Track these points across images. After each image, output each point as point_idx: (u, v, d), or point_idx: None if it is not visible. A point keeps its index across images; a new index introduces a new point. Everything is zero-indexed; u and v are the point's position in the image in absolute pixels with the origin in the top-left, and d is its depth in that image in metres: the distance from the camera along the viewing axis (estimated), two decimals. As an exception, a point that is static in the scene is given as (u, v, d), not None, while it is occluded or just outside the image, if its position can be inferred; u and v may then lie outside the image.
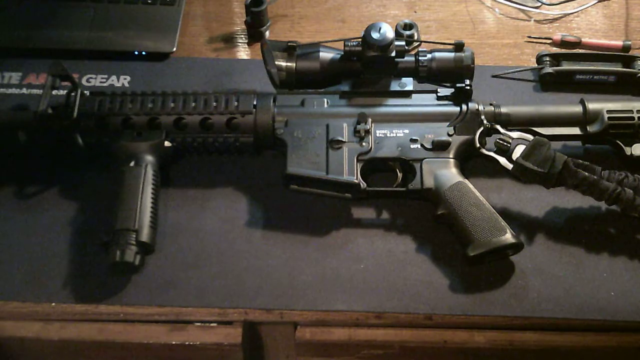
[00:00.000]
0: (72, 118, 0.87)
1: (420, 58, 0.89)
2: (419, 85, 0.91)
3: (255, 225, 0.88)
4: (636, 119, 0.88)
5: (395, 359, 0.87)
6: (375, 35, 0.87)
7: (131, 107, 0.88)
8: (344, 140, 0.87)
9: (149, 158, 0.86)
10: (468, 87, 0.88)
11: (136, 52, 1.05)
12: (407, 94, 0.91)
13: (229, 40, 1.09)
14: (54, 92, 0.91)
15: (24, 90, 1.01)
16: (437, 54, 0.90)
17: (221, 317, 0.82)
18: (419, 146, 0.87)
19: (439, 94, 0.90)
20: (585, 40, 1.07)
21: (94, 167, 0.92)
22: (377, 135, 0.88)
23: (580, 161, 0.83)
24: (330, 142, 0.87)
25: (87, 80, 1.02)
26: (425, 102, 0.90)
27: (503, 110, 0.89)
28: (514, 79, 1.03)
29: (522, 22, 1.12)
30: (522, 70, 1.03)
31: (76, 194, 0.90)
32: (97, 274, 0.83)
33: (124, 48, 1.05)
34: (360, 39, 0.88)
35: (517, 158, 0.83)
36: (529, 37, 1.08)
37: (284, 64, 0.90)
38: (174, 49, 1.05)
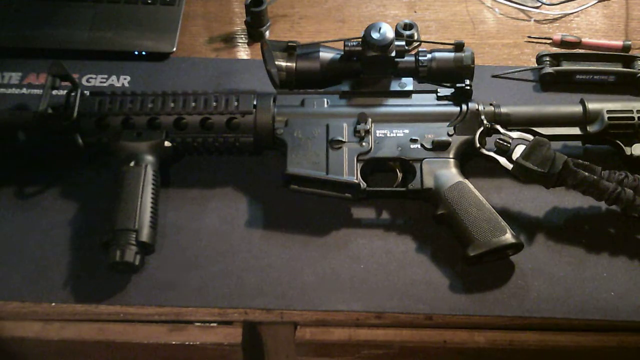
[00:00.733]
0: (72, 118, 0.87)
1: (420, 58, 0.89)
2: (419, 85, 0.91)
3: (255, 225, 0.88)
4: (636, 119, 0.88)
5: (395, 359, 0.87)
6: (375, 35, 0.87)
7: (131, 107, 0.88)
8: (344, 140, 0.87)
9: (149, 158, 0.86)
10: (468, 87, 0.88)
11: (136, 52, 1.05)
12: (407, 94, 0.91)
13: (229, 40, 1.09)
14: (54, 92, 0.91)
15: (24, 90, 1.01)
16: (437, 54, 0.90)
17: (221, 317, 0.82)
18: (419, 146, 0.87)
19: (439, 94, 0.90)
20: (585, 40, 1.07)
21: (94, 167, 0.92)
22: (377, 135, 0.88)
23: (580, 161, 0.83)
24: (330, 142, 0.87)
25: (87, 80, 1.02)
26: (425, 102, 0.90)
27: (503, 110, 0.89)
28: (514, 79, 1.03)
29: (522, 22, 1.12)
30: (522, 70, 1.03)
31: (76, 194, 0.90)
32: (97, 274, 0.83)
33: (124, 48, 1.05)
34: (360, 39, 0.88)
35: (517, 158, 0.83)
36: (529, 37, 1.08)
37: (284, 64, 0.90)
38: (174, 49, 1.05)
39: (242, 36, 1.09)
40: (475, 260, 0.81)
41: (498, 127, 0.87)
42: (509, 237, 0.81)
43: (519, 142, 0.85)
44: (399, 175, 0.88)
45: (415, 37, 1.07)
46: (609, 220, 0.87)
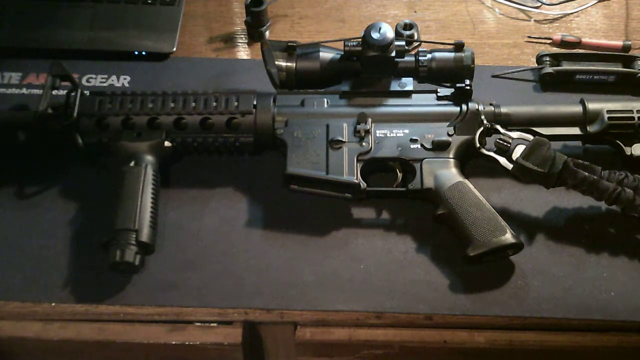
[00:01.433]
0: (72, 118, 0.87)
1: (420, 58, 0.89)
2: (419, 85, 0.91)
3: (255, 225, 0.88)
4: (636, 119, 0.88)
5: (395, 359, 0.87)
6: (375, 35, 0.87)
7: (131, 107, 0.88)
8: (344, 140, 0.87)
9: (149, 158, 0.86)
10: (468, 87, 0.88)
11: (136, 52, 1.05)
12: (407, 94, 0.91)
13: (229, 40, 1.09)
14: (54, 92, 0.91)
15: (24, 90, 1.01)
16: (437, 54, 0.90)
17: (221, 317, 0.82)
18: (419, 146, 0.87)
19: (439, 94, 0.90)
20: (585, 40, 1.07)
21: (94, 167, 0.91)
22: (377, 135, 0.88)
23: (580, 161, 0.83)
24: (330, 142, 0.87)
25: (87, 80, 1.02)
26: (425, 102, 0.90)
27: (503, 110, 0.89)
28: (514, 79, 1.03)
29: (522, 22, 1.12)
30: (522, 70, 1.03)
31: (76, 194, 0.90)
32: (97, 274, 0.83)
33: (124, 48, 1.05)
34: (360, 39, 0.88)
35: (517, 158, 0.83)
36: (529, 37, 1.08)
37: (284, 64, 0.90)
38: (174, 49, 1.05)
39: (242, 36, 1.09)
40: (475, 260, 0.81)
41: (498, 127, 0.87)
42: (509, 237, 0.81)
43: (519, 142, 0.85)
44: (399, 175, 0.88)
45: (415, 37, 1.06)
46: (609, 220, 0.87)
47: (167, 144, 0.88)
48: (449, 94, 0.90)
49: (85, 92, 0.91)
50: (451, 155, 0.87)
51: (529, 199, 0.89)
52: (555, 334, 0.83)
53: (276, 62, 0.90)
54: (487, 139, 0.88)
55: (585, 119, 0.89)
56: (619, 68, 1.00)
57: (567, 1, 1.12)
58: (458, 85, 0.89)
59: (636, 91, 1.00)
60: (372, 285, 0.83)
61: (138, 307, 0.82)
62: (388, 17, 1.12)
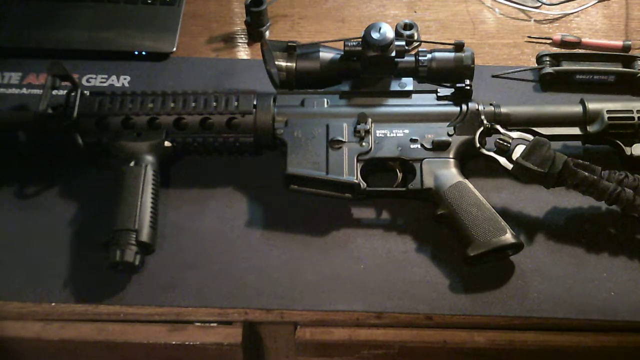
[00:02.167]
0: (72, 118, 0.87)
1: (420, 58, 0.89)
2: (419, 85, 0.91)
3: (255, 225, 0.88)
4: (636, 119, 0.88)
5: (395, 359, 0.87)
6: (375, 35, 0.87)
7: (131, 107, 0.88)
8: (344, 140, 0.87)
9: (149, 158, 0.86)
10: (468, 87, 0.88)
11: (136, 52, 1.05)
12: (407, 94, 0.91)
13: (229, 40, 1.09)
14: (54, 92, 0.91)
15: (24, 90, 1.01)
16: (437, 54, 0.90)
17: (221, 317, 0.82)
18: (419, 146, 0.87)
19: (439, 94, 0.90)
20: (585, 40, 1.07)
21: (94, 167, 0.91)
22: (377, 135, 0.88)
23: (580, 161, 0.83)
24: (330, 142, 0.87)
25: (87, 80, 1.02)
26: (425, 102, 0.90)
27: (503, 110, 0.89)
28: (514, 79, 1.03)
29: (522, 22, 1.12)
30: (522, 70, 1.03)
31: (76, 194, 0.90)
32: (97, 274, 0.83)
33: (124, 48, 1.05)
34: (360, 39, 0.88)
35: (517, 158, 0.83)
36: (529, 37, 1.08)
37: (284, 64, 0.90)
38: (174, 49, 1.05)
39: (242, 36, 1.09)
40: (475, 260, 0.81)
41: (498, 127, 0.87)
42: (509, 237, 0.81)
43: (519, 142, 0.85)
44: (399, 175, 0.88)
45: (415, 37, 1.06)
46: (609, 220, 0.87)
47: (167, 144, 0.88)
48: (449, 94, 0.90)
49: (85, 92, 0.91)
50: (451, 155, 0.87)
51: (529, 199, 0.89)
52: (555, 334, 0.83)
53: (276, 62, 0.90)
54: (487, 139, 0.88)
55: (585, 119, 0.89)
56: (619, 68, 1.00)
57: (567, 1, 1.12)
58: (458, 85, 0.89)
59: (636, 91, 1.00)
60: (372, 285, 0.83)
61: (138, 307, 0.82)
62: (388, 17, 1.12)
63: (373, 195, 0.88)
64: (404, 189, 0.87)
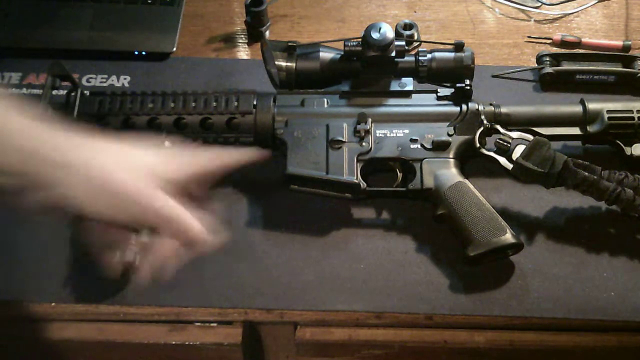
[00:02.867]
0: (72, 118, 0.87)
1: (420, 58, 0.89)
2: (419, 85, 0.91)
3: (255, 225, 0.88)
4: (636, 119, 0.88)
5: (395, 359, 0.87)
6: (375, 35, 0.87)
7: (131, 107, 0.88)
8: (344, 140, 0.87)
9: (149, 158, 0.86)
10: (468, 87, 0.88)
11: (136, 52, 1.05)
12: (407, 94, 0.91)
13: (229, 40, 1.09)
14: (54, 92, 0.91)
15: (24, 90, 1.01)
16: (437, 54, 0.90)
17: (221, 317, 0.82)
18: (419, 146, 0.87)
19: (439, 94, 0.90)
20: (585, 40, 1.07)
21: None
22: (377, 135, 0.88)
23: (580, 161, 0.83)
24: (330, 142, 0.87)
25: (87, 80, 1.02)
26: (425, 102, 0.90)
27: (503, 110, 0.89)
28: (514, 79, 1.03)
29: (522, 22, 1.12)
30: (522, 70, 1.03)
31: (76, 194, 0.90)
32: (97, 274, 0.83)
33: (124, 48, 1.05)
34: (360, 39, 0.88)
35: (517, 158, 0.83)
36: (529, 37, 1.08)
37: (284, 64, 0.90)
38: (174, 49, 1.05)
39: (242, 36, 1.09)
40: (475, 260, 0.81)
41: (498, 127, 0.87)
42: (509, 237, 0.81)
43: (519, 142, 0.85)
44: (399, 175, 0.88)
45: (415, 37, 1.07)
46: (609, 220, 0.87)
47: (167, 144, 0.87)
48: (449, 94, 0.90)
49: (85, 92, 0.91)
50: (451, 155, 0.87)
51: (529, 199, 0.89)
52: (555, 334, 0.83)
53: (276, 62, 0.90)
54: (487, 139, 0.88)
55: (585, 119, 0.89)
56: (619, 68, 1.00)
57: (567, 1, 1.12)
58: (458, 85, 0.89)
59: (636, 91, 1.00)
60: (372, 285, 0.83)
61: (138, 307, 0.82)
62: (388, 17, 1.12)
63: (373, 195, 0.88)
64: (404, 189, 0.87)
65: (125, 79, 1.03)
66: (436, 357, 0.87)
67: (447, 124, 0.89)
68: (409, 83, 0.91)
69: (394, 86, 0.91)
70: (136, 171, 0.68)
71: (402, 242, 0.86)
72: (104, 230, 0.71)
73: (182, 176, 0.70)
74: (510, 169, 0.85)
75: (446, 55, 0.90)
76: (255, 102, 0.89)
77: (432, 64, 0.89)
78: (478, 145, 0.87)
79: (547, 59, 1.02)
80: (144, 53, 1.05)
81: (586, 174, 0.81)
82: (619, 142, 0.88)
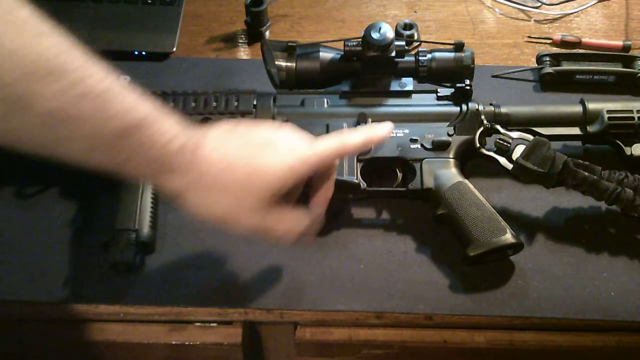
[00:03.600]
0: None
1: (420, 58, 0.89)
2: (419, 85, 0.91)
3: (255, 225, 0.88)
4: (636, 119, 0.88)
5: (395, 359, 0.87)
6: (375, 35, 0.87)
7: (131, 107, 0.88)
8: (344, 140, 0.87)
9: (149, 158, 0.86)
10: (468, 87, 0.88)
11: (136, 52, 1.05)
12: (407, 94, 0.91)
13: (229, 40, 1.09)
14: (54, 92, 0.91)
15: (24, 90, 1.01)
16: (437, 54, 0.90)
17: (221, 317, 0.82)
18: (419, 146, 0.87)
19: (439, 94, 0.90)
20: (585, 40, 1.07)
21: (94, 167, 0.91)
22: (377, 135, 0.88)
23: (580, 161, 0.83)
24: (330, 142, 0.87)
25: (87, 80, 1.02)
26: (425, 102, 0.90)
27: (503, 110, 0.89)
28: (514, 79, 1.03)
29: (522, 22, 1.12)
30: (522, 70, 1.03)
31: (76, 194, 0.90)
32: (97, 274, 0.83)
33: (124, 48, 1.05)
34: (360, 39, 0.88)
35: (517, 158, 0.83)
36: (529, 37, 1.08)
37: (284, 64, 0.90)
38: (174, 49, 1.05)
39: (242, 36, 1.09)
40: (475, 260, 0.81)
41: (498, 127, 0.87)
42: (509, 237, 0.81)
43: (519, 142, 0.85)
44: (399, 175, 0.88)
45: (415, 37, 1.07)
46: (609, 220, 0.87)
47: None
48: (449, 94, 0.90)
49: (85, 92, 0.90)
50: (451, 155, 0.87)
51: (529, 199, 0.89)
52: (555, 334, 0.83)
53: (276, 62, 0.90)
54: (487, 139, 0.88)
55: (585, 119, 0.89)
56: (619, 68, 1.00)
57: (567, 1, 1.12)
58: (458, 85, 0.89)
59: (636, 91, 1.00)
60: (372, 285, 0.83)
61: (138, 307, 0.82)
62: (388, 17, 1.12)
63: (373, 195, 0.88)
64: (404, 189, 0.87)
65: (125, 79, 1.03)
66: (436, 357, 0.87)
67: (447, 124, 0.89)
68: (409, 83, 0.91)
69: (394, 86, 0.91)
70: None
71: (402, 242, 0.86)
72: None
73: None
74: (510, 169, 0.85)
75: (446, 55, 0.90)
76: (255, 102, 0.89)
77: (432, 64, 0.89)
78: (478, 145, 0.87)
79: (547, 59, 1.02)
80: (144, 53, 1.05)
81: (586, 174, 0.81)
82: (619, 142, 0.88)
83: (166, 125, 0.63)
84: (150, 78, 1.02)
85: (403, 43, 0.90)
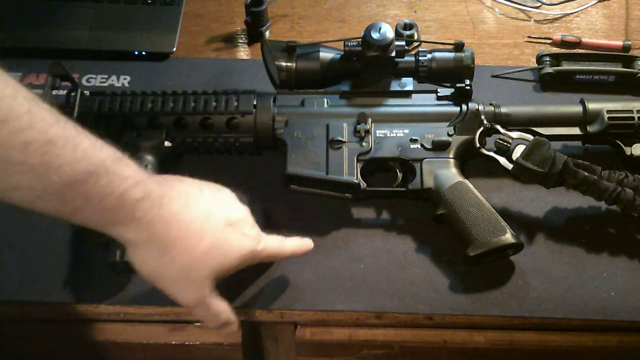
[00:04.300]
0: (72, 118, 0.87)
1: (420, 58, 0.89)
2: (419, 85, 0.91)
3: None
4: (636, 119, 0.88)
5: (395, 359, 0.87)
6: (375, 35, 0.87)
7: (131, 107, 0.88)
8: (344, 140, 0.87)
9: (149, 158, 0.86)
10: (468, 87, 0.88)
11: (136, 52, 1.05)
12: (407, 94, 0.91)
13: (229, 40, 1.09)
14: (54, 92, 0.91)
15: (24, 91, 1.01)
16: (437, 54, 0.90)
17: (221, 317, 0.82)
18: (419, 146, 0.87)
19: (439, 94, 0.90)
20: (585, 40, 1.07)
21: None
22: (377, 135, 0.88)
23: (580, 161, 0.83)
24: (330, 142, 0.87)
25: (87, 80, 1.02)
26: (425, 102, 0.90)
27: (503, 110, 0.89)
28: (514, 79, 1.03)
29: (522, 22, 1.12)
30: (522, 70, 1.03)
31: (76, 194, 0.90)
32: (97, 274, 0.83)
33: (124, 48, 1.05)
34: (360, 39, 0.88)
35: (517, 158, 0.83)
36: (529, 37, 1.08)
37: (284, 64, 0.90)
38: (174, 49, 1.05)
39: (242, 36, 1.09)
40: (476, 260, 0.81)
41: (498, 127, 0.87)
42: (509, 237, 0.81)
43: (519, 142, 0.85)
44: (399, 175, 0.88)
45: (415, 37, 1.07)
46: (609, 220, 0.87)
47: (167, 144, 0.88)
48: (449, 94, 0.90)
49: (85, 92, 0.91)
50: (451, 155, 0.87)
51: (529, 199, 0.89)
52: (555, 334, 0.83)
53: (276, 62, 0.90)
54: (487, 139, 0.88)
55: (585, 119, 0.89)
56: (619, 68, 1.00)
57: (567, 1, 1.12)
58: (458, 85, 0.89)
59: (636, 91, 1.00)
60: (372, 285, 0.83)
61: (138, 307, 0.82)
62: (388, 17, 1.12)
63: (373, 195, 0.88)
64: (404, 189, 0.87)
65: (125, 79, 1.03)
66: (436, 357, 0.87)
67: (447, 124, 0.89)
68: (409, 83, 0.91)
69: (394, 86, 0.91)
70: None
71: (402, 242, 0.86)
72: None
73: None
74: (510, 169, 0.85)
75: (446, 55, 0.90)
76: (255, 102, 0.89)
77: (432, 64, 0.89)
78: (478, 145, 0.87)
79: (547, 59, 1.02)
80: (144, 53, 1.05)
81: (586, 174, 0.81)
82: (619, 142, 0.88)
83: (125, 173, 0.61)
84: (150, 78, 1.03)
85: (403, 43, 0.90)
